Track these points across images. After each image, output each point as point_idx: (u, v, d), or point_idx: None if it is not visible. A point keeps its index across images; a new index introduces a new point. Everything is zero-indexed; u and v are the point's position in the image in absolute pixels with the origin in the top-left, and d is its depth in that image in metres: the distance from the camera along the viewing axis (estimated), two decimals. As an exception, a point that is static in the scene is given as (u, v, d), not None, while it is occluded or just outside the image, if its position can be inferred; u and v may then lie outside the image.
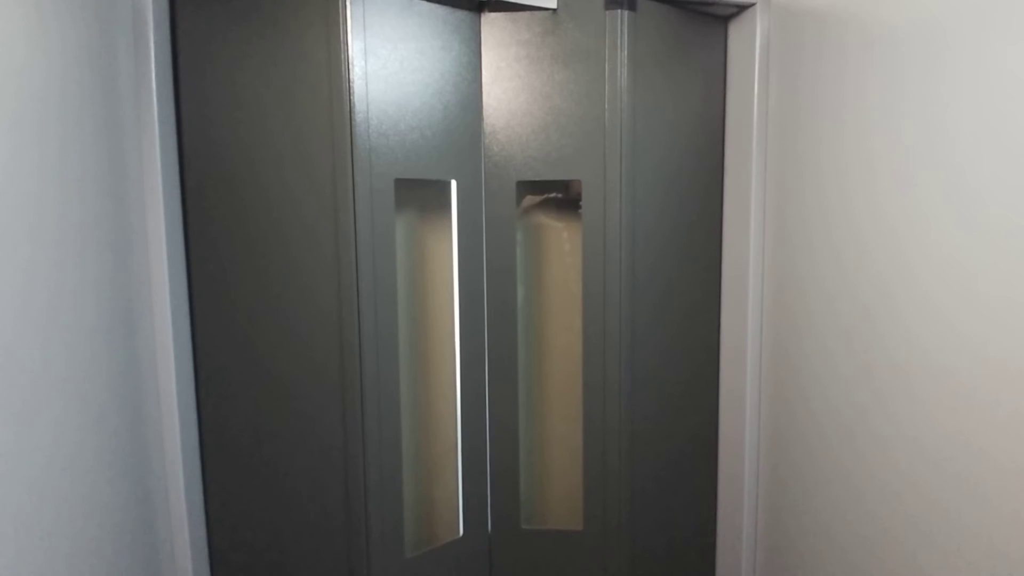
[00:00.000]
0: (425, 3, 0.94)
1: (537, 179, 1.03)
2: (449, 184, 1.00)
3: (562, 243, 1.12)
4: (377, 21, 0.89)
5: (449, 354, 1.05)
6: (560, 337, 1.13)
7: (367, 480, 0.93)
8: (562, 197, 1.10)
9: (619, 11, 0.99)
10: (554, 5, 0.99)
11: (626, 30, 0.99)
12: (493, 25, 1.00)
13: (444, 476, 1.09)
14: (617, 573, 1.10)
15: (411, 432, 1.05)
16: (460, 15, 0.98)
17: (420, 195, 1.03)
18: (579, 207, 1.04)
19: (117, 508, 0.79)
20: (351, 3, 0.86)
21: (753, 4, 1.04)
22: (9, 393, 0.61)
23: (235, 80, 0.89)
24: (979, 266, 0.71)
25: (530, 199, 1.10)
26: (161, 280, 0.87)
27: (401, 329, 0.98)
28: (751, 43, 1.06)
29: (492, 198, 1.03)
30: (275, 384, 0.94)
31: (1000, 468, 0.70)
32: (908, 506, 0.83)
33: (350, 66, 0.87)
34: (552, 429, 1.16)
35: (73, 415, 0.71)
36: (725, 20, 1.11)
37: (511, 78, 1.01)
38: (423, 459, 1.08)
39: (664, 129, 1.06)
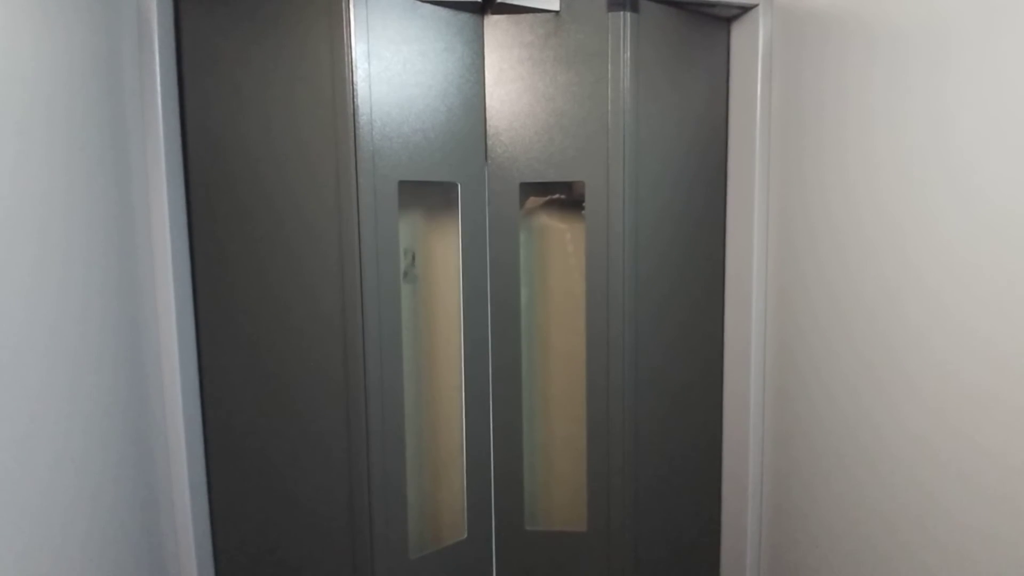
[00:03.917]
0: (428, 5, 0.94)
1: (540, 181, 1.03)
2: (452, 186, 1.00)
3: (565, 244, 1.12)
4: (380, 23, 0.90)
5: (453, 355, 1.05)
6: (563, 338, 1.13)
7: (371, 481, 0.94)
8: (565, 198, 1.11)
9: (622, 13, 0.99)
10: (557, 7, 0.99)
11: (629, 32, 0.99)
12: (496, 27, 1.01)
13: (448, 477, 1.09)
14: (621, 574, 1.10)
15: (415, 433, 1.05)
16: (463, 17, 0.98)
17: (423, 197, 1.04)
18: (582, 208, 1.04)
19: (122, 509, 0.79)
20: (354, 5, 0.87)
21: (756, 5, 1.04)
22: (16, 393, 0.61)
23: (239, 81, 0.90)
24: (985, 264, 0.71)
25: (533, 200, 1.11)
26: (165, 281, 0.87)
27: (405, 331, 0.98)
28: (754, 44, 1.06)
29: (495, 199, 1.04)
30: (279, 385, 0.94)
31: (1006, 466, 0.70)
32: (913, 506, 0.82)
33: (353, 68, 0.87)
34: (556, 430, 1.16)
35: (79, 416, 0.71)
36: (728, 21, 1.11)
37: (514, 80, 1.01)
38: (427, 460, 1.08)
39: (667, 130, 1.07)
